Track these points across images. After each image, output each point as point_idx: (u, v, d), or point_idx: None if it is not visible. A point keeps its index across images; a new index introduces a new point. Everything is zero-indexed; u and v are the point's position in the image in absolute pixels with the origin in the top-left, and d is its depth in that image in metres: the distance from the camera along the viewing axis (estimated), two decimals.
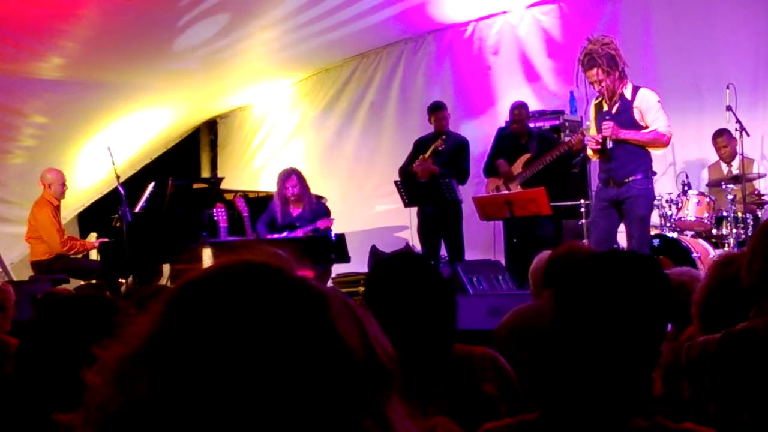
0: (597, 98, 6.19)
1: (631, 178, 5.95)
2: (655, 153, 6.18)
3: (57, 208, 7.84)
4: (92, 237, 8.66)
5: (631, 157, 5.97)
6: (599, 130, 6.07)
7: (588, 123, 6.69)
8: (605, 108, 6.07)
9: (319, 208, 7.98)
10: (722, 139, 7.55)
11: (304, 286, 0.84)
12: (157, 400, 0.76)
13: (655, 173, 6.21)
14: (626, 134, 5.95)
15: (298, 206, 7.88)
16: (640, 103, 5.99)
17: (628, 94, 6.01)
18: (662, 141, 6.00)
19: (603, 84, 5.94)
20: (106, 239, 8.15)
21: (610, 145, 5.99)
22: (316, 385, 0.78)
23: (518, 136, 7.83)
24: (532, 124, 8.06)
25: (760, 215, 7.16)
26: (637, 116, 5.99)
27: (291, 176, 7.80)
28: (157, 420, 0.76)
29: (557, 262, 3.43)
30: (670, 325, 3.36)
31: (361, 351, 0.82)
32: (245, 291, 0.81)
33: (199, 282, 0.84)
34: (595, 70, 5.93)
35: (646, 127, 5.99)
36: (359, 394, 0.81)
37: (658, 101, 6.01)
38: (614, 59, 5.87)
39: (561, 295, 1.70)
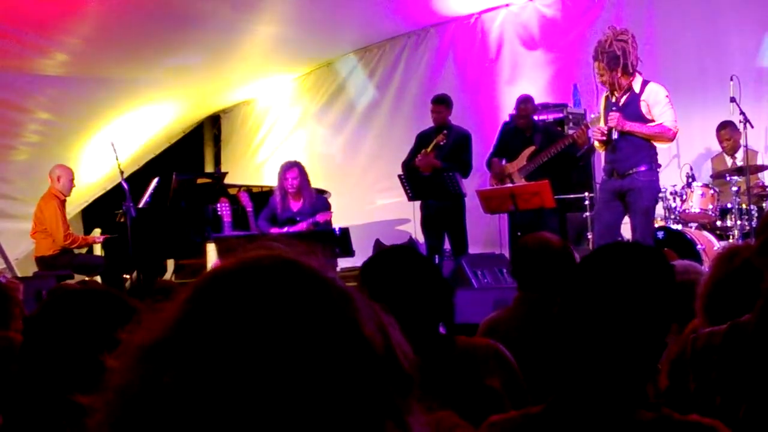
0: (607, 90, 6.19)
1: (635, 170, 5.95)
2: (660, 147, 6.18)
3: (63, 203, 7.88)
4: (96, 233, 8.68)
5: (635, 149, 5.96)
6: (607, 121, 6.08)
7: (593, 115, 6.71)
8: (613, 100, 6.08)
9: (319, 202, 7.99)
10: (726, 131, 7.54)
11: (333, 285, 0.84)
12: (180, 386, 0.77)
13: (659, 165, 6.20)
14: (631, 126, 5.94)
15: (297, 200, 7.89)
16: (647, 97, 5.97)
17: (636, 87, 5.99)
18: (667, 135, 5.99)
19: (604, 78, 5.97)
20: (109, 235, 8.17)
21: (615, 136, 5.98)
22: (341, 384, 0.78)
23: (523, 129, 7.83)
24: (536, 117, 8.06)
25: (764, 207, 7.14)
26: (644, 109, 5.98)
27: (292, 168, 7.82)
28: (178, 406, 0.76)
29: (527, 252, 3.38)
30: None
31: (384, 354, 0.82)
32: (276, 285, 0.82)
33: (230, 273, 0.84)
34: (597, 64, 5.98)
35: (653, 121, 5.98)
36: (382, 396, 0.81)
37: (666, 96, 5.99)
38: (617, 58, 5.85)
39: (566, 288, 1.69)
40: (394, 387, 0.82)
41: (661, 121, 5.96)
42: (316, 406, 0.77)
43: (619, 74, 5.90)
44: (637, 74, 6.00)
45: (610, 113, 5.99)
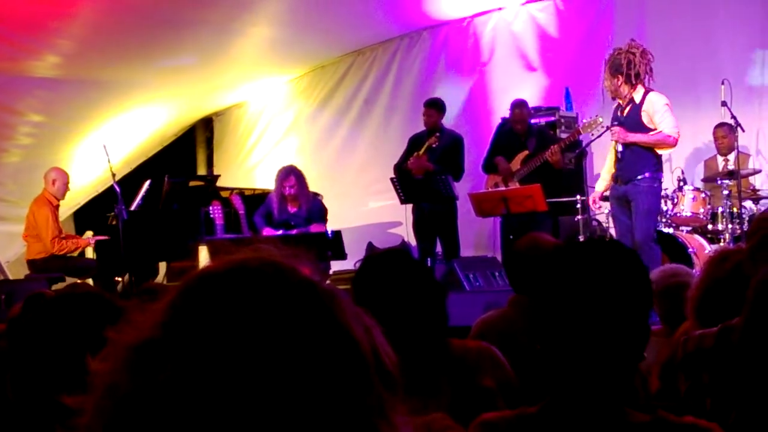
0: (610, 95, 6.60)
1: (637, 177, 6.31)
2: (663, 153, 6.52)
3: (56, 208, 7.84)
4: (88, 235, 8.66)
5: (637, 159, 6.32)
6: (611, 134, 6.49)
7: (585, 120, 7.11)
8: (619, 113, 6.47)
9: (315, 207, 7.98)
10: (722, 129, 7.60)
11: (319, 287, 0.85)
12: (169, 386, 0.77)
13: (662, 170, 6.50)
14: (633, 137, 6.31)
15: (294, 205, 7.88)
16: (648, 107, 6.31)
17: (637, 98, 6.34)
18: (668, 142, 6.33)
19: (606, 83, 6.41)
20: (101, 237, 8.15)
21: (619, 148, 6.38)
22: (332, 383, 0.79)
23: (518, 133, 7.83)
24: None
25: (755, 210, 7.16)
26: (645, 119, 6.31)
27: (289, 176, 7.79)
28: (167, 405, 0.77)
29: (520, 254, 3.41)
30: (662, 325, 3.36)
31: (371, 354, 0.84)
32: (262, 287, 0.82)
33: (217, 274, 0.84)
34: (605, 69, 6.44)
35: (655, 129, 6.28)
36: (373, 396, 0.82)
37: (666, 104, 6.31)
38: (619, 67, 6.25)
39: (544, 287, 1.68)
40: (381, 386, 0.83)
41: (661, 128, 6.28)
42: (306, 404, 0.78)
43: (620, 82, 6.29)
44: (639, 85, 6.31)
45: (612, 127, 6.41)
